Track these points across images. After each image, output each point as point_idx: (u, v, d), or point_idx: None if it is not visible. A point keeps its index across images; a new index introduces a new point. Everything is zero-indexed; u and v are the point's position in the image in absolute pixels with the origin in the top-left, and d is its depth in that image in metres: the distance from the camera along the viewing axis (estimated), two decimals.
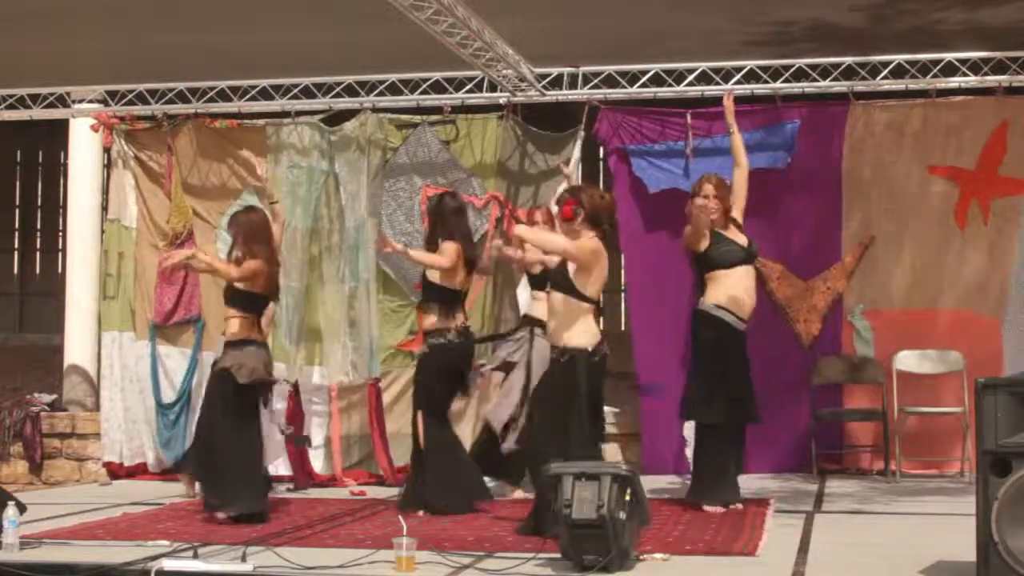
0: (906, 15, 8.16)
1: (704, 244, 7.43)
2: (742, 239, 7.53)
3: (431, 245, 7.67)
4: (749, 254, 7.53)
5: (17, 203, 14.40)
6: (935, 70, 9.02)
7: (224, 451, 7.27)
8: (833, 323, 9.37)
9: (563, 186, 8.11)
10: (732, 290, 7.40)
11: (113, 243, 10.16)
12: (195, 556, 5.69)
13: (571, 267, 6.46)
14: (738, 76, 9.15)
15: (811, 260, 9.38)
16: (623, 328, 12.31)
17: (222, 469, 7.25)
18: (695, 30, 8.43)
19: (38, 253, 14.30)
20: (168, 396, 9.88)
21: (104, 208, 10.67)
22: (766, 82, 9.16)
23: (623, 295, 12.57)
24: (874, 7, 8.04)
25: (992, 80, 9.01)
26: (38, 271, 14.31)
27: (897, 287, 9.30)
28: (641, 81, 9.32)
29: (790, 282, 9.38)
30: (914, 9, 8.07)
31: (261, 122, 9.95)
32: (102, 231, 10.59)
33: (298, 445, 9.11)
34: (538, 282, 7.94)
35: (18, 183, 14.38)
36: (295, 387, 9.40)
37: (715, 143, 9.29)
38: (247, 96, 9.84)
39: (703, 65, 9.16)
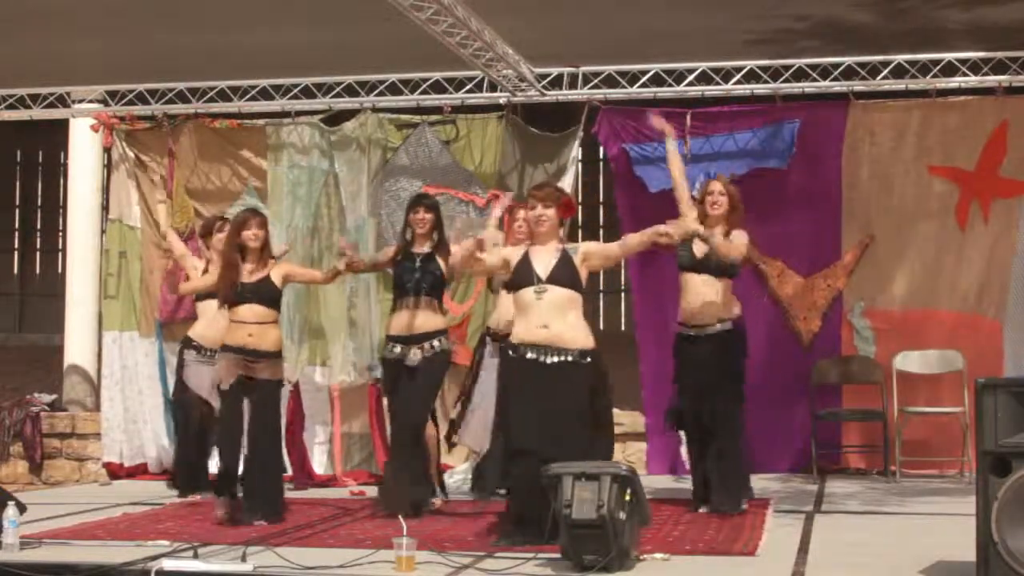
0: (906, 13, 8.14)
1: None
2: (704, 246, 7.33)
3: (442, 246, 7.59)
4: (699, 263, 7.32)
5: (17, 203, 14.41)
6: (935, 70, 9.02)
7: (278, 460, 7.40)
8: (833, 321, 9.38)
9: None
10: (685, 296, 7.38)
11: (114, 243, 10.16)
12: (195, 556, 5.68)
13: (579, 262, 6.25)
14: (738, 76, 9.15)
15: (811, 258, 9.39)
16: (623, 328, 12.33)
17: (271, 479, 7.32)
18: (696, 29, 8.42)
19: (38, 253, 14.31)
20: None
21: (104, 208, 10.68)
22: (766, 82, 9.15)
23: (623, 295, 12.62)
24: (875, 4, 8.03)
25: (992, 80, 9.00)
26: (38, 271, 14.32)
27: (897, 287, 9.30)
28: (641, 81, 9.32)
29: (790, 280, 9.39)
30: (914, 7, 8.06)
31: (261, 122, 9.95)
32: (102, 231, 10.60)
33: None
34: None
35: (18, 183, 14.39)
36: (296, 387, 9.40)
37: (715, 143, 9.30)
38: (247, 96, 9.84)
39: (703, 65, 9.15)
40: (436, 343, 7.47)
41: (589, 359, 6.16)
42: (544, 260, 6.23)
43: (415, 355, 7.44)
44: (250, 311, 7.26)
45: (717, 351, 7.34)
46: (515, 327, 6.30)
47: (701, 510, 7.30)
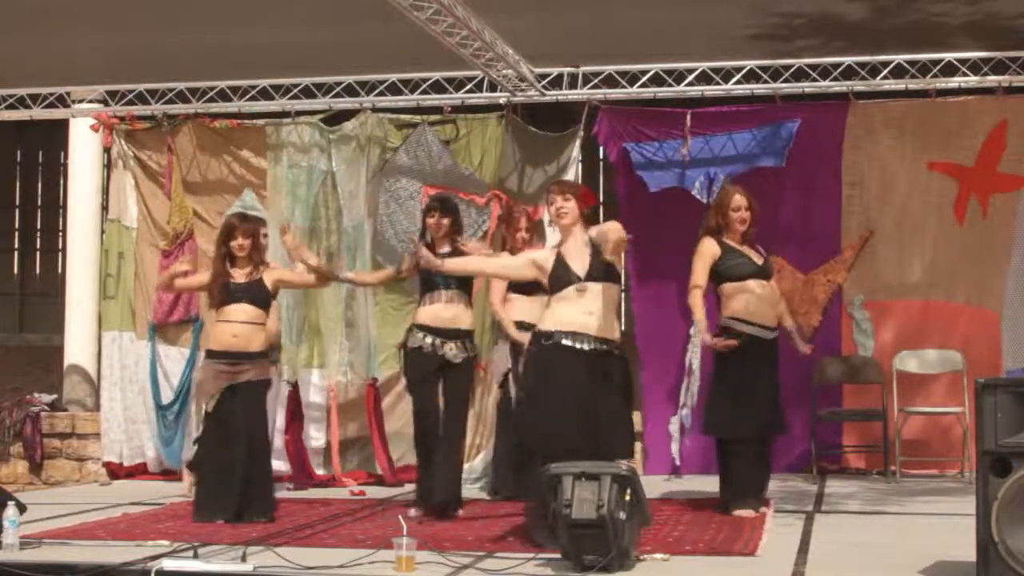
0: (908, 6, 8.11)
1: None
2: (757, 257, 7.38)
3: (456, 244, 7.52)
4: (762, 270, 7.35)
5: (17, 203, 14.39)
6: (935, 70, 9.02)
7: (261, 461, 7.48)
8: (833, 315, 9.41)
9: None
10: (749, 301, 7.24)
11: (113, 243, 10.16)
12: (195, 556, 5.69)
13: (610, 254, 6.15)
14: (738, 76, 9.15)
15: (810, 254, 9.41)
16: (623, 328, 12.32)
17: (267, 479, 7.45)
18: (697, 25, 8.40)
19: (38, 253, 14.28)
20: (167, 396, 9.89)
21: (104, 208, 10.68)
22: (766, 82, 9.15)
23: (624, 295, 12.62)
24: None
25: (992, 80, 9.01)
26: (38, 271, 14.29)
27: (897, 279, 9.36)
28: (641, 81, 9.32)
29: (790, 276, 9.40)
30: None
31: (261, 122, 9.95)
32: (102, 231, 10.60)
33: None
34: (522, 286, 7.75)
35: (18, 183, 14.37)
36: (295, 387, 9.40)
37: (714, 143, 9.30)
38: (247, 96, 9.84)
39: (703, 65, 9.15)
40: (469, 344, 7.44)
41: (619, 351, 6.16)
42: (579, 258, 6.14)
43: (451, 350, 7.33)
44: (240, 311, 7.32)
45: (776, 352, 7.38)
46: (554, 314, 6.12)
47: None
